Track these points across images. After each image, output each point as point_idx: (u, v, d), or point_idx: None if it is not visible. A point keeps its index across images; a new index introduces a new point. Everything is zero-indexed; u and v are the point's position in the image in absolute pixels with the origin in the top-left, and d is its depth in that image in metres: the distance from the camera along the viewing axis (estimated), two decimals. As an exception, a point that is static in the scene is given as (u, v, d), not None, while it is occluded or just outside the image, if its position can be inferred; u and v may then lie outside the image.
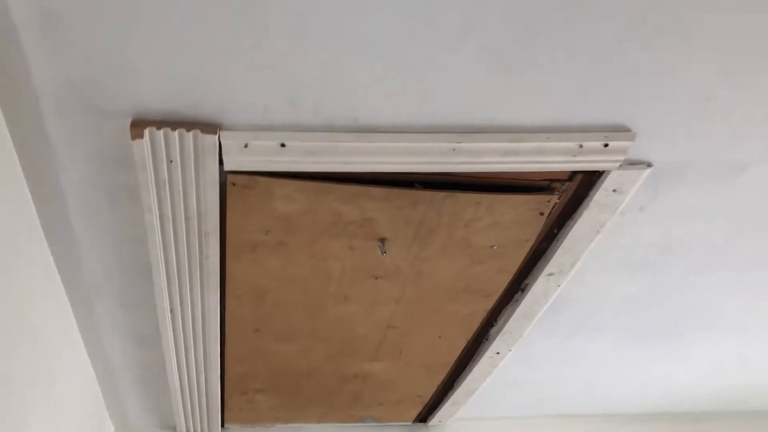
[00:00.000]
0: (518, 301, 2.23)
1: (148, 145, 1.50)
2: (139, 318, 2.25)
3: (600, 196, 1.78)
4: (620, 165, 1.68)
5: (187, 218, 1.72)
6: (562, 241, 1.95)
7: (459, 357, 2.61)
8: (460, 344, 2.52)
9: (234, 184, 1.66)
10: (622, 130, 1.61)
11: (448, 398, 2.93)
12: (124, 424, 3.03)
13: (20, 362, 1.77)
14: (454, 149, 1.59)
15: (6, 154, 1.57)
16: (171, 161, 1.56)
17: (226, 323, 2.29)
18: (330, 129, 1.54)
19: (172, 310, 2.10)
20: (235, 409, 2.94)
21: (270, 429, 3.16)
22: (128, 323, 2.29)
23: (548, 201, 1.82)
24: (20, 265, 1.73)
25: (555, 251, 1.99)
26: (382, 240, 1.92)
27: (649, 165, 1.73)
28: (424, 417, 3.21)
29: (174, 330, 2.21)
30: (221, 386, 2.69)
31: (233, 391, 2.78)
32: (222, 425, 3.06)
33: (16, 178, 1.65)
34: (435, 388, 2.87)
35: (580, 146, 1.61)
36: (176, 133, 1.48)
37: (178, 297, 2.04)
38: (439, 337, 2.46)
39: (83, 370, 2.47)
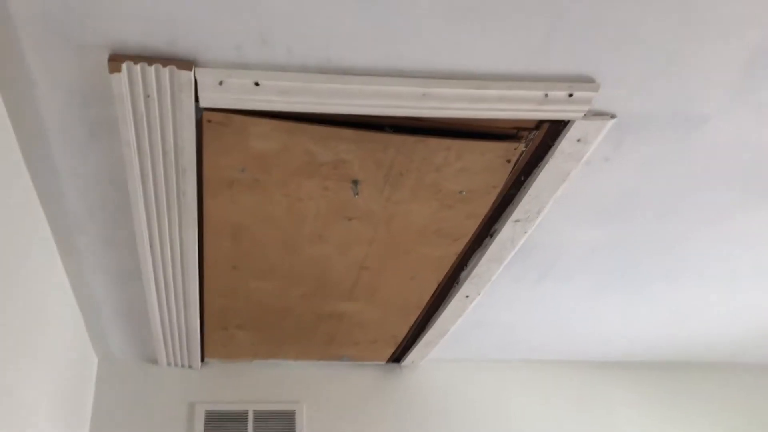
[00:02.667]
0: (487, 246, 2.31)
1: (126, 79, 1.55)
2: (121, 253, 2.32)
3: (565, 145, 1.85)
4: (585, 115, 1.74)
5: (164, 153, 1.78)
6: (528, 189, 2.03)
7: (431, 299, 2.71)
8: (432, 286, 2.61)
9: (210, 121, 1.71)
10: (586, 81, 1.66)
11: (421, 339, 3.04)
12: (108, 356, 3.14)
13: (5, 296, 1.83)
14: (424, 94, 1.64)
15: (-13, 85, 1.61)
16: (148, 96, 1.61)
17: (205, 260, 2.36)
18: (303, 69, 1.58)
19: (151, 246, 2.17)
20: (215, 344, 3.04)
21: (249, 364, 3.27)
22: (110, 259, 2.37)
23: (515, 149, 1.88)
24: (4, 200, 1.78)
25: (522, 198, 2.06)
26: (355, 182, 1.99)
27: (612, 116, 1.79)
28: (398, 357, 3.33)
29: (154, 265, 2.28)
30: (201, 321, 2.78)
31: (213, 326, 2.87)
32: (202, 359, 3.17)
33: (-1, 112, 1.69)
34: (408, 328, 2.98)
35: (546, 95, 1.67)
36: (153, 68, 1.53)
37: (157, 232, 2.10)
38: (412, 278, 2.55)
39: (67, 304, 2.55)
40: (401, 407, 3.34)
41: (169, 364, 3.16)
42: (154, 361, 3.15)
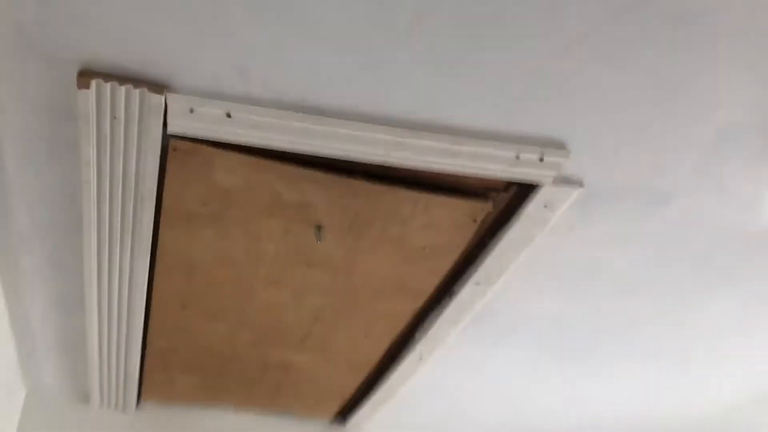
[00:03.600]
0: (445, 306, 2.28)
1: (94, 96, 1.50)
2: (66, 279, 2.22)
3: (532, 209, 1.85)
4: (554, 180, 1.75)
5: (124, 178, 1.72)
6: (492, 251, 2.01)
7: (383, 357, 2.64)
8: (385, 344, 2.55)
9: (176, 149, 1.67)
10: (557, 147, 1.68)
11: (369, 398, 2.94)
12: (37, 388, 2.97)
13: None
14: (398, 143, 1.63)
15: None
16: (115, 117, 1.56)
17: (154, 295, 2.27)
18: (278, 105, 1.56)
19: (99, 273, 2.07)
20: (153, 385, 2.90)
21: (187, 411, 3.12)
22: (54, 283, 2.26)
23: (482, 209, 1.87)
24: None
25: (484, 260, 2.05)
26: (319, 227, 1.95)
27: (580, 184, 1.80)
28: (343, 416, 3.22)
29: (99, 294, 2.18)
30: (141, 360, 2.66)
31: (153, 367, 2.75)
32: (138, 400, 3.01)
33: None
34: (356, 386, 2.89)
35: (517, 157, 1.67)
36: (123, 88, 1.49)
37: (107, 259, 2.02)
38: (366, 335, 2.49)
39: (1, 329, 2.41)
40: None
41: (102, 403, 2.99)
42: (86, 399, 2.98)
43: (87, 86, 1.48)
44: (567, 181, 1.78)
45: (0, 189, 1.85)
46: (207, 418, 3.13)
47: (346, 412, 3.17)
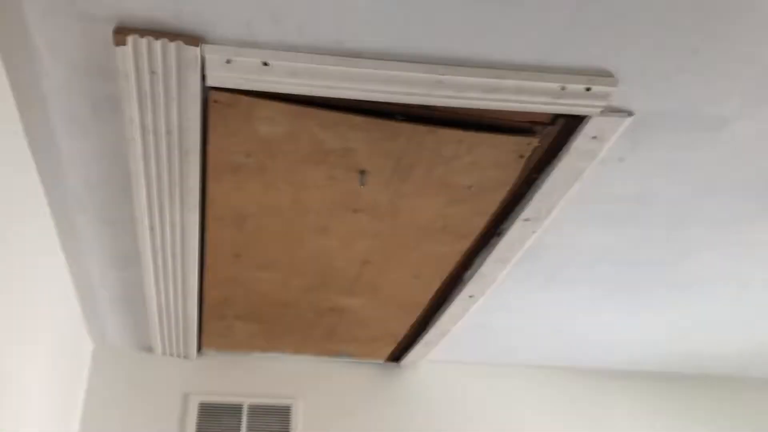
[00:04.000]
0: (494, 245, 2.26)
1: (131, 53, 1.50)
2: (120, 235, 2.28)
3: (580, 142, 1.80)
4: (602, 111, 1.69)
5: (168, 133, 1.73)
6: (540, 187, 1.97)
7: (433, 297, 2.66)
8: (435, 285, 2.56)
9: (216, 102, 1.66)
10: (605, 75, 1.61)
11: (421, 338, 2.98)
12: (103, 343, 3.10)
13: (1, 277, 1.79)
14: (438, 81, 1.59)
15: (-11, 55, 1.56)
16: (153, 72, 1.56)
17: (206, 247, 2.31)
18: (314, 51, 1.53)
19: (151, 228, 2.12)
20: (212, 334, 2.99)
21: (246, 356, 3.22)
22: (109, 240, 2.32)
23: (528, 144, 1.83)
24: (3, 178, 1.73)
25: (533, 196, 2.01)
26: (362, 172, 1.94)
27: (630, 114, 1.74)
28: (397, 356, 3.28)
29: (153, 248, 2.23)
30: (199, 310, 2.74)
31: (211, 316, 2.82)
32: (198, 349, 3.12)
33: (1, 87, 1.64)
34: (408, 327, 2.93)
35: (563, 88, 1.62)
36: (159, 42, 1.48)
37: (158, 214, 2.06)
38: (415, 276, 2.50)
39: (63, 287, 2.50)
40: (398, 407, 3.29)
41: (164, 353, 3.12)
42: (150, 349, 3.11)
43: (124, 43, 1.48)
44: (616, 110, 1.72)
45: (50, 151, 1.89)
46: (266, 363, 3.23)
47: (399, 352, 3.22)
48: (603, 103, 1.66)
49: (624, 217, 2.20)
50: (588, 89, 1.62)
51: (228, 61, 1.52)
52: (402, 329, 2.95)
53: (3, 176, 1.74)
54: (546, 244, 2.32)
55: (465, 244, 2.28)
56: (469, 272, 2.45)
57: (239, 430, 3.05)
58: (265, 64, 1.54)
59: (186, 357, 3.15)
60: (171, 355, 3.13)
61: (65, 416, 2.74)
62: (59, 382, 2.59)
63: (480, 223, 2.16)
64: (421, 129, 1.77)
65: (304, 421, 3.14)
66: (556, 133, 1.81)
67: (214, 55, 1.51)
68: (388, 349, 3.18)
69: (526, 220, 2.10)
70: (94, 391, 3.02)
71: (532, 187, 2.01)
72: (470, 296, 2.57)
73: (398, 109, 1.72)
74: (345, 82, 1.59)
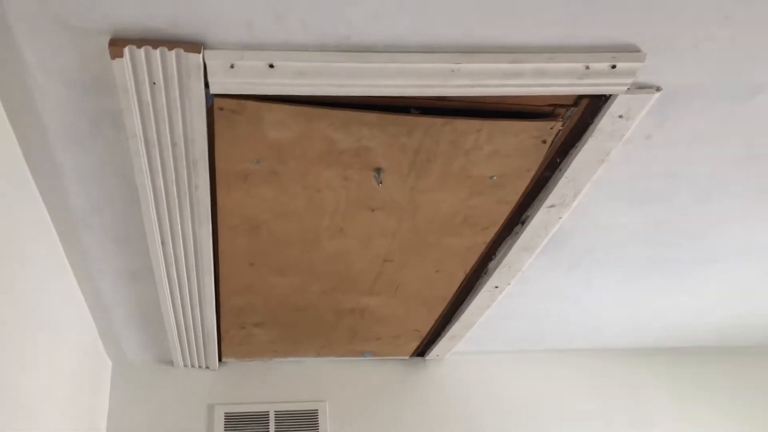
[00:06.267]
0: (518, 234, 2.18)
1: (129, 64, 1.42)
2: (131, 252, 2.20)
3: (606, 122, 1.70)
4: (628, 88, 1.60)
5: (173, 144, 1.65)
6: (564, 171, 1.88)
7: (457, 291, 2.58)
8: (459, 278, 2.48)
9: (221, 109, 1.58)
10: (631, 50, 1.52)
11: (446, 332, 2.91)
12: (122, 360, 3.04)
13: (10, 303, 1.72)
14: (453, 71, 1.50)
15: (-21, 77, 1.48)
16: (154, 83, 1.48)
17: (220, 256, 2.24)
18: (321, 48, 1.45)
19: (163, 243, 2.05)
20: (232, 343, 2.93)
21: (268, 362, 3.16)
22: (120, 258, 2.25)
23: (551, 128, 1.74)
24: (4, 199, 1.66)
25: (557, 182, 1.92)
26: (378, 170, 1.86)
27: (658, 89, 1.64)
28: (422, 351, 3.21)
29: (166, 263, 2.16)
30: (217, 320, 2.67)
31: (230, 325, 2.76)
32: (219, 359, 3.06)
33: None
34: (433, 322, 2.86)
35: (587, 68, 1.52)
36: (158, 51, 1.40)
37: (168, 229, 1.98)
38: (437, 271, 2.42)
39: (77, 308, 2.44)
40: (426, 402, 3.22)
41: (185, 365, 3.06)
42: (170, 362, 3.05)
43: (120, 54, 1.40)
44: (643, 86, 1.63)
45: (52, 171, 1.81)
46: (289, 368, 3.17)
47: (424, 347, 3.15)
48: (629, 80, 1.57)
49: (652, 195, 2.11)
50: (613, 66, 1.53)
51: (231, 66, 1.44)
52: (426, 325, 2.88)
53: (5, 200, 1.67)
54: (572, 229, 2.23)
55: (488, 236, 2.20)
56: (493, 263, 2.37)
57: (267, 437, 2.99)
58: (271, 66, 1.45)
59: (208, 368, 3.09)
60: (192, 366, 3.07)
61: (90, 437, 2.69)
62: (82, 403, 2.53)
63: (503, 213, 2.08)
64: (437, 121, 1.68)
65: (333, 423, 3.08)
66: (579, 115, 1.72)
67: (216, 61, 1.43)
68: (413, 345, 3.11)
69: (551, 206, 2.02)
70: (117, 410, 2.96)
71: (556, 173, 1.92)
72: (495, 287, 2.49)
73: (412, 102, 1.64)
74: (355, 78, 1.50)
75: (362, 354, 3.16)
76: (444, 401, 3.23)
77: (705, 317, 3.08)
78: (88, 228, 2.07)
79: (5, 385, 1.71)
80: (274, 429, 3.00)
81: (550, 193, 1.96)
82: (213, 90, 1.50)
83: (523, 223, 2.14)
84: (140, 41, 1.39)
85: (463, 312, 2.70)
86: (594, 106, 1.68)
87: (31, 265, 1.90)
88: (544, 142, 1.78)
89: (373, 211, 2.04)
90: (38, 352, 1.99)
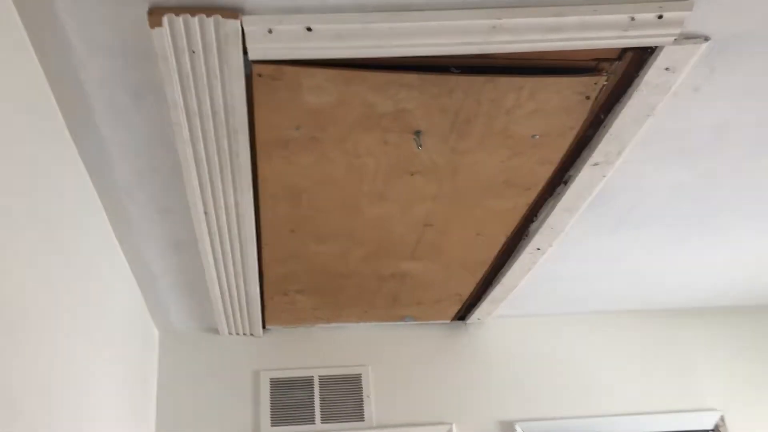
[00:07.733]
0: (560, 195, 2.14)
1: (168, 33, 1.42)
2: (175, 222, 2.23)
3: (652, 75, 1.65)
4: (675, 39, 1.55)
5: (213, 113, 1.65)
6: (609, 128, 1.84)
7: (498, 254, 2.56)
8: (499, 241, 2.46)
9: (260, 75, 1.58)
10: (678, -1, 1.47)
11: (487, 296, 2.90)
12: (168, 328, 3.10)
13: (61, 275, 1.76)
14: (494, 27, 1.47)
15: (26, 58, 1.50)
16: (193, 51, 1.48)
17: (262, 225, 2.26)
18: (359, 9, 1.43)
19: (206, 212, 2.07)
20: (276, 310, 2.97)
21: (311, 329, 3.20)
22: (164, 228, 2.28)
23: (595, 83, 1.69)
24: (51, 173, 1.69)
25: (601, 139, 1.88)
26: (418, 133, 1.84)
27: (706, 39, 1.59)
28: (462, 315, 3.21)
29: (210, 232, 2.19)
30: (261, 288, 2.71)
31: (273, 293, 2.79)
32: (263, 326, 3.11)
33: (39, 85, 1.58)
34: (473, 286, 2.85)
35: (632, 18, 1.48)
36: (196, 19, 1.39)
37: (211, 198, 2.00)
38: (478, 234, 2.40)
39: (124, 278, 2.49)
40: (468, 365, 3.23)
41: (230, 333, 3.11)
42: (216, 330, 3.11)
43: (159, 23, 1.40)
44: (690, 37, 1.57)
45: (96, 144, 1.84)
46: (332, 333, 3.20)
47: (465, 310, 3.15)
48: (676, 31, 1.52)
49: (699, 150, 2.06)
50: (660, 17, 1.48)
51: (270, 31, 1.43)
52: (467, 288, 2.87)
53: (53, 175, 1.70)
54: (616, 187, 2.19)
55: (530, 197, 2.17)
56: (534, 225, 2.35)
57: (313, 401, 3.04)
58: (309, 29, 1.44)
59: (252, 335, 3.15)
60: (237, 334, 3.13)
61: (141, 407, 2.76)
62: (132, 373, 2.60)
63: (546, 173, 2.05)
64: (478, 80, 1.65)
65: (376, 387, 3.12)
66: (624, 69, 1.67)
67: (254, 27, 1.42)
68: (454, 309, 3.11)
69: (595, 164, 1.98)
70: (166, 377, 3.04)
71: (600, 129, 1.88)
72: (537, 249, 2.46)
73: (452, 61, 1.61)
74: (394, 39, 1.48)
75: (403, 319, 3.18)
76: (485, 364, 3.24)
77: (751, 275, 3.01)
78: (132, 200, 2.10)
79: (64, 355, 1.76)
80: (319, 393, 3.05)
81: (594, 151, 1.92)
82: (252, 56, 1.49)
83: (565, 183, 2.11)
84: (179, 9, 1.39)
85: (504, 275, 2.68)
86: (639, 59, 1.63)
87: (80, 238, 1.94)
88: (588, 98, 1.74)
89: (413, 175, 2.03)
90: (90, 323, 2.04)
